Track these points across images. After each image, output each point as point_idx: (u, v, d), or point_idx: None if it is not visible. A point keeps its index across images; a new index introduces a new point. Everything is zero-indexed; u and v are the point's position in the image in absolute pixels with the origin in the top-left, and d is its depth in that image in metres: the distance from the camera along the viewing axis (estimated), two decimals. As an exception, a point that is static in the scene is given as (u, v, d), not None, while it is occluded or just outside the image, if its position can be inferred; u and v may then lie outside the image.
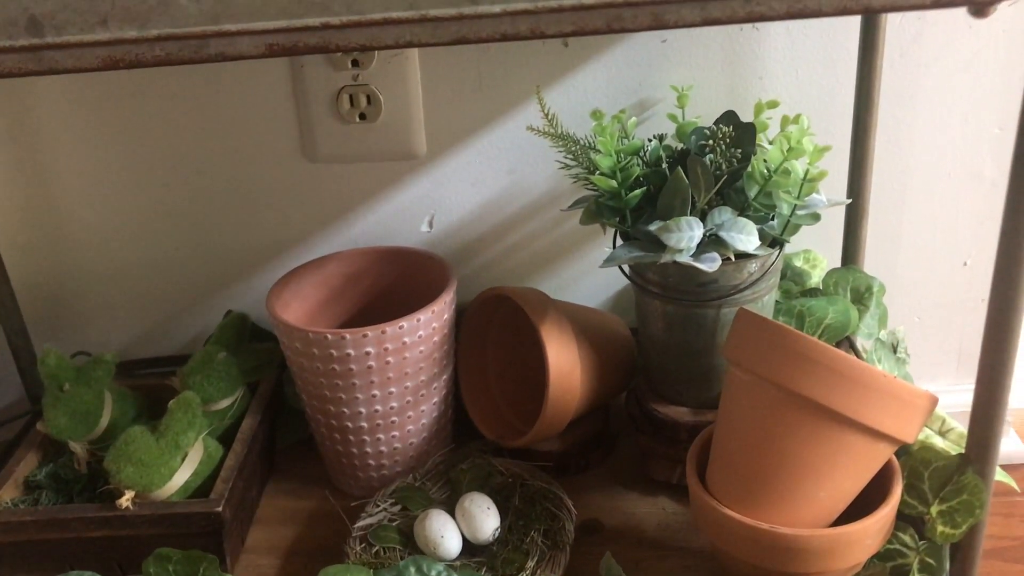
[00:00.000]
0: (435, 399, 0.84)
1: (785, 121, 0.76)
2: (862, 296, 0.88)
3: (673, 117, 0.84)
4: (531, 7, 0.47)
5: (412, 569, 0.60)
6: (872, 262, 0.93)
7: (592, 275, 0.97)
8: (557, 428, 0.83)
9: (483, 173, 0.94)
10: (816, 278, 0.93)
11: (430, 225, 0.97)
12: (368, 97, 0.89)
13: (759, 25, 0.87)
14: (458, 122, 0.91)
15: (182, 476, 0.76)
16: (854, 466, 0.62)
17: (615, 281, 0.97)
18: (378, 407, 0.80)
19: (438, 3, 0.47)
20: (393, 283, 0.92)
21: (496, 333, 0.91)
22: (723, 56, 0.88)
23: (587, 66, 0.88)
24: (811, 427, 0.61)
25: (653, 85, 0.89)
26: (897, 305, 0.95)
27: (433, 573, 0.60)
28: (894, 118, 0.90)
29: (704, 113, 0.85)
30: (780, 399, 0.62)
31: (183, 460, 0.76)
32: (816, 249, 0.95)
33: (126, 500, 0.73)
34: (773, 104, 0.79)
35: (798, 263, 0.93)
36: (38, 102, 0.91)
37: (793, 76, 0.89)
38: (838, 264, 0.94)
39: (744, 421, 0.65)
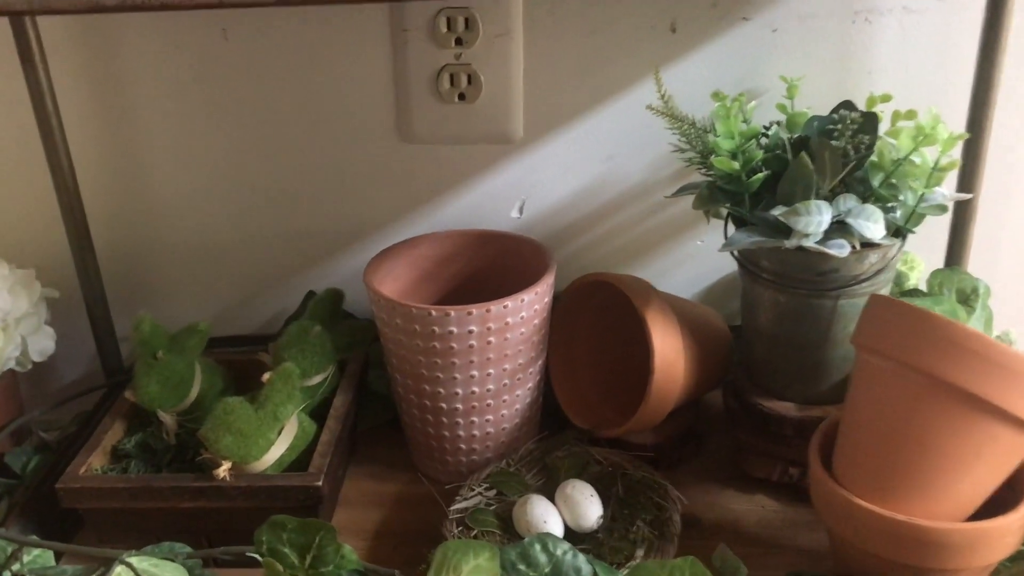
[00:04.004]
0: (529, 384, 0.82)
1: (896, 116, 0.75)
2: (968, 297, 0.86)
3: (782, 107, 0.82)
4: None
5: (538, 547, 0.58)
6: (971, 265, 0.91)
7: (684, 267, 0.95)
8: (656, 419, 0.80)
9: (579, 159, 0.92)
10: (914, 280, 0.91)
11: (520, 211, 0.95)
12: (469, 77, 0.88)
13: (871, 18, 0.86)
14: (557, 106, 0.90)
15: (278, 449, 0.74)
16: (998, 458, 0.60)
17: (709, 273, 0.95)
18: (475, 388, 0.79)
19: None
20: (484, 266, 0.90)
21: (588, 321, 0.89)
22: (833, 48, 0.87)
23: (694, 54, 0.87)
24: (957, 416, 0.59)
25: (760, 76, 0.88)
26: (994, 310, 0.93)
27: (559, 552, 0.58)
28: (997, 120, 0.88)
29: (812, 105, 0.83)
30: (924, 387, 0.59)
31: (279, 433, 0.74)
32: (913, 251, 0.93)
33: (223, 471, 0.71)
34: (886, 98, 0.77)
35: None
36: (130, 75, 0.90)
37: (904, 71, 0.87)
38: (934, 267, 0.92)
39: (880, 410, 0.62)
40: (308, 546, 0.60)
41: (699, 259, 0.95)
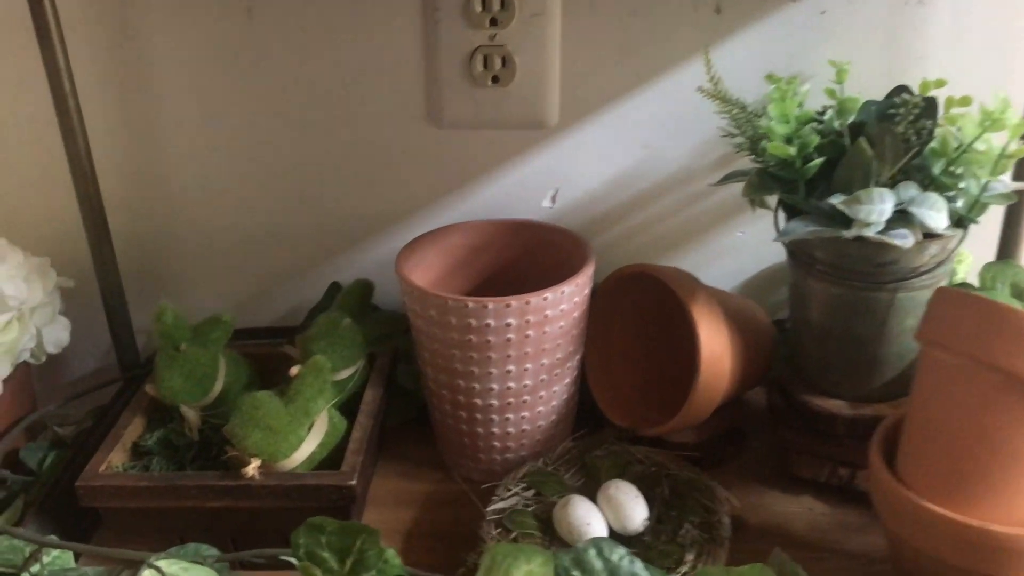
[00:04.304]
0: (567, 380, 0.79)
1: (950, 102, 0.71)
2: (1022, 292, 0.82)
3: (831, 92, 0.79)
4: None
5: (593, 552, 0.55)
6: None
7: (724, 259, 0.92)
8: (701, 416, 0.77)
9: (615, 147, 0.89)
10: (962, 274, 0.88)
11: (552, 200, 0.92)
12: (503, 59, 0.84)
13: (925, 0, 0.82)
14: (595, 91, 0.86)
15: (309, 446, 0.70)
16: (1078, 462, 0.56)
17: (750, 265, 0.92)
18: (511, 384, 0.75)
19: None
20: (515, 257, 0.87)
21: (624, 314, 0.85)
22: (883, 33, 0.83)
23: (739, 36, 0.83)
24: (1035, 416, 0.55)
25: (808, 60, 0.84)
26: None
27: (615, 557, 0.55)
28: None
29: (861, 91, 0.80)
30: (997, 384, 0.56)
31: (310, 429, 0.71)
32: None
33: (253, 468, 0.68)
34: (941, 83, 0.74)
35: (943, 257, 0.88)
36: (150, 55, 0.86)
37: (957, 56, 0.83)
38: (981, 260, 0.88)
39: (949, 409, 0.59)
40: (348, 550, 0.56)
41: (739, 250, 0.92)
